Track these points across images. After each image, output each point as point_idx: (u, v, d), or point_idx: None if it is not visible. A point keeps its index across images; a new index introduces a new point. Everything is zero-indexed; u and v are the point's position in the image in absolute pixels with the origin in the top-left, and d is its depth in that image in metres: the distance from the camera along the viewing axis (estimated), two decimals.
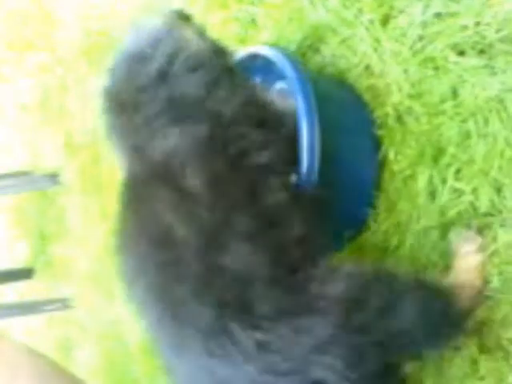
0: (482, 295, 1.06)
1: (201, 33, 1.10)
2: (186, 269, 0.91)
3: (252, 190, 0.96)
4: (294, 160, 1.05)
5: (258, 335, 0.87)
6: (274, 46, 1.23)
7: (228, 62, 1.10)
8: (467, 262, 1.06)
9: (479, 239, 1.06)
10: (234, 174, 0.97)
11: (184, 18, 1.12)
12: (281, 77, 1.17)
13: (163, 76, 1.00)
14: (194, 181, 0.94)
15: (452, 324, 1.00)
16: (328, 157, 1.07)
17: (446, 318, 0.99)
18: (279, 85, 1.24)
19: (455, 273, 1.07)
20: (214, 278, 0.90)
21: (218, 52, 1.09)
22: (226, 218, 0.93)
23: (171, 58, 1.01)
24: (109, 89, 1.06)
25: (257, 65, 1.21)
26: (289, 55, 1.15)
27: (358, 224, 1.24)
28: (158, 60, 1.01)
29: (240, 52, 1.24)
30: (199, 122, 0.98)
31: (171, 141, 0.97)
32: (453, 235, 1.10)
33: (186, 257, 0.91)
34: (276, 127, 1.04)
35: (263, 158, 0.99)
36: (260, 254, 0.92)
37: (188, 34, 1.07)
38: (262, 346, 0.87)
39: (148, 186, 0.98)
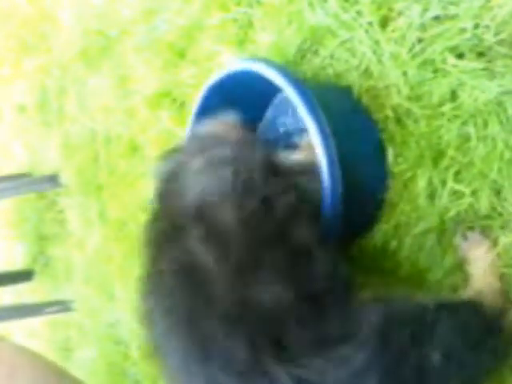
0: (506, 295, 1.05)
1: None
2: (216, 301, 0.89)
3: (281, 229, 0.97)
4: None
5: (294, 370, 0.84)
6: (267, 61, 1.20)
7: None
8: (480, 267, 1.06)
9: (486, 242, 1.06)
10: (263, 213, 0.98)
11: None
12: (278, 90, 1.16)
13: None
14: (225, 218, 0.96)
15: (491, 334, 0.99)
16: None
17: (483, 329, 0.98)
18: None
19: (473, 280, 1.07)
20: (246, 312, 0.88)
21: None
22: (256, 253, 0.93)
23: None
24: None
25: (252, 79, 1.19)
26: (288, 75, 1.13)
27: (369, 226, 1.24)
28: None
29: (233, 65, 1.23)
30: (224, 165, 1.03)
31: (200, 184, 1.02)
32: (458, 240, 1.10)
33: (217, 292, 0.90)
34: (291, 176, 1.08)
35: (286, 201, 1.01)
36: (290, 289, 0.91)
37: None
38: (299, 381, 0.84)
39: (178, 225, 0.99)
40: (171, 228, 1.01)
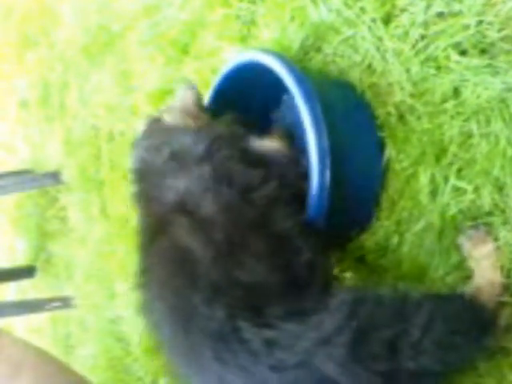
0: (504, 292, 1.05)
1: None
2: (201, 279, 0.97)
3: (261, 217, 1.04)
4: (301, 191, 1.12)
5: (266, 333, 0.89)
6: (274, 53, 1.20)
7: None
8: (483, 265, 1.06)
9: (490, 240, 1.06)
10: (243, 203, 1.05)
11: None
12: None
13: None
14: (208, 209, 1.04)
15: (481, 326, 1.00)
16: (334, 161, 1.08)
17: (474, 322, 0.99)
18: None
19: (476, 278, 1.07)
20: (227, 287, 0.95)
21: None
22: (238, 238, 1.01)
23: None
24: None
25: (257, 72, 1.19)
26: (292, 67, 1.13)
27: (364, 223, 1.24)
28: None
29: (239, 57, 1.24)
30: (201, 163, 1.10)
31: (181, 182, 1.08)
32: (462, 239, 1.09)
33: (202, 269, 0.97)
34: (270, 166, 1.14)
35: (265, 191, 1.07)
36: (272, 271, 0.99)
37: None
38: (269, 343, 0.89)
39: (166, 220, 1.06)
40: (157, 224, 1.08)
